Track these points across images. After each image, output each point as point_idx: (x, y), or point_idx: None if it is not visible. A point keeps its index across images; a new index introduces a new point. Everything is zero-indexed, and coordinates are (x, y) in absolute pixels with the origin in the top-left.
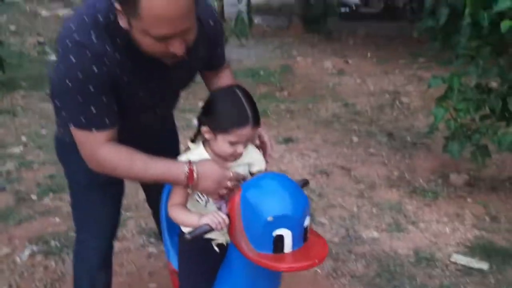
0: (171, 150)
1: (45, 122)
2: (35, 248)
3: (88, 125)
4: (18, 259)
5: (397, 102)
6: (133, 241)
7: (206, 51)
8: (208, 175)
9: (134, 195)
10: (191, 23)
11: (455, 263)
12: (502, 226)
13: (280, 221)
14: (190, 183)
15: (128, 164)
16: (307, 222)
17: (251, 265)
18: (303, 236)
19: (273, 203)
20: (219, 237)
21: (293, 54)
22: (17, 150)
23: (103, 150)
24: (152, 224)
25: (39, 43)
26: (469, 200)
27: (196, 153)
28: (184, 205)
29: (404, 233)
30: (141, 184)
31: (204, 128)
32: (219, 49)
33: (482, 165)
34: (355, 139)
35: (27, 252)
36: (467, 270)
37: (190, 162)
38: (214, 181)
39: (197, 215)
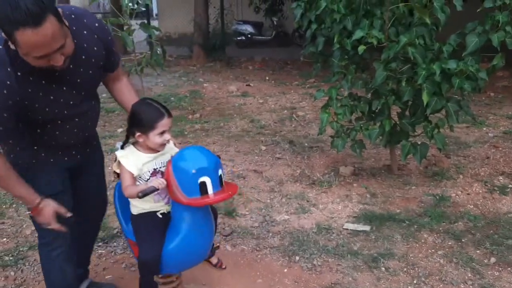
0: (95, 162)
1: None
2: None
3: None
4: None
5: (295, 116)
6: None
7: (102, 49)
8: (45, 211)
9: None
10: (62, 40)
11: (346, 229)
12: (379, 200)
13: (201, 172)
14: (32, 213)
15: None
16: (220, 172)
17: (190, 213)
18: (219, 182)
19: (194, 161)
20: (162, 208)
21: (199, 81)
22: None
23: None
24: None
25: None
26: (355, 185)
27: (131, 155)
28: (134, 184)
29: (308, 214)
30: None
31: (137, 134)
32: (113, 48)
33: (360, 157)
34: (263, 147)
35: None
36: (355, 233)
37: (40, 200)
38: (44, 216)
39: (144, 185)
